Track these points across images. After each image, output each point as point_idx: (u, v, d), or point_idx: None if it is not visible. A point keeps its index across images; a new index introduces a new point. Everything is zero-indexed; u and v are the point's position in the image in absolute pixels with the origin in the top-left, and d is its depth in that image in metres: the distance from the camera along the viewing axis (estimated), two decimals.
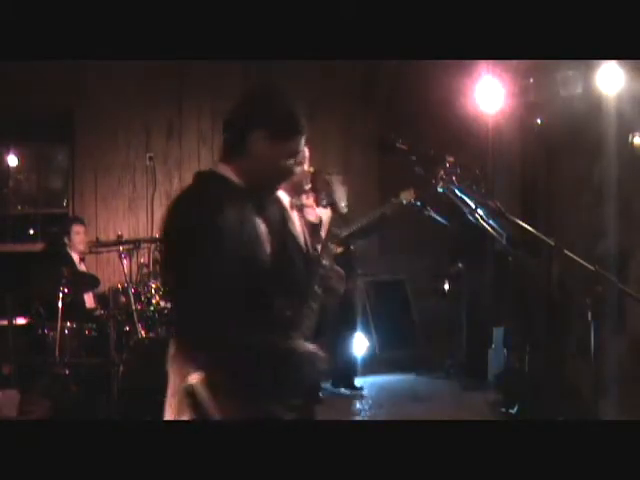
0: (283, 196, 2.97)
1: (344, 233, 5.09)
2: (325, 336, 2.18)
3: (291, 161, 1.98)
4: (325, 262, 2.13)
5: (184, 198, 1.92)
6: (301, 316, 1.99)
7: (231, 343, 1.76)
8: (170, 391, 1.91)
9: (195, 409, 1.77)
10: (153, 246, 5.98)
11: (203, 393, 1.75)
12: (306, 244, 2.98)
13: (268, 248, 1.97)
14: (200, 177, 2.00)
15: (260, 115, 1.93)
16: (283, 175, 2.01)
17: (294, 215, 3.03)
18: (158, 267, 5.86)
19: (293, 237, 2.87)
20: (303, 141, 1.99)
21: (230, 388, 1.78)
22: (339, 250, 5.03)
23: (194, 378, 1.78)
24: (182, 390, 1.80)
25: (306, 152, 2.76)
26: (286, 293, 1.99)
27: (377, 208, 5.91)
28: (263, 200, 2.02)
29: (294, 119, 1.96)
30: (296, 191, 3.02)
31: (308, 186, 3.08)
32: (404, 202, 5.44)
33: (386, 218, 5.74)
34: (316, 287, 2.06)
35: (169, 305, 5.39)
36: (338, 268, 2.20)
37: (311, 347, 1.93)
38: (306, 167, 2.98)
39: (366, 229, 5.78)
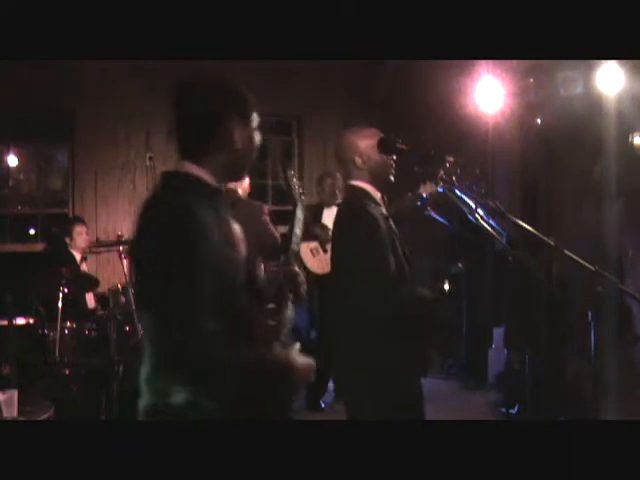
0: (373, 191, 2.92)
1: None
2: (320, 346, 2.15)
3: (257, 143, 1.88)
4: (295, 265, 2.11)
5: (159, 203, 1.77)
6: (281, 324, 1.94)
7: (214, 357, 1.66)
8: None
9: None
10: None
11: None
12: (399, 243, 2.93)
13: (244, 252, 1.88)
14: (171, 178, 1.86)
15: (232, 103, 1.81)
16: (252, 161, 1.89)
17: (384, 211, 2.98)
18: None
19: (384, 233, 2.80)
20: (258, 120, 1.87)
21: (217, 403, 1.72)
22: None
23: None
24: None
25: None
26: (267, 300, 1.95)
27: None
28: (235, 200, 1.97)
29: (249, 95, 1.85)
30: (382, 184, 2.88)
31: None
32: (424, 196, 5.25)
33: (402, 215, 5.59)
34: (288, 293, 2.02)
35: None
36: (299, 271, 2.13)
37: (302, 359, 1.83)
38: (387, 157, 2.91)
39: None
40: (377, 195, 2.88)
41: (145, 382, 1.79)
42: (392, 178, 2.91)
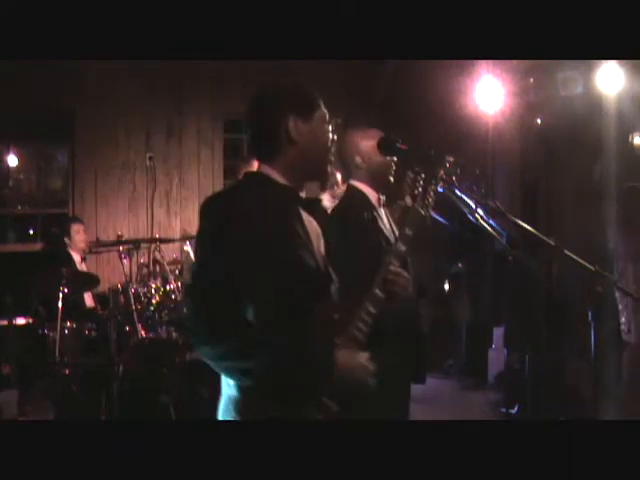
0: (370, 192, 2.91)
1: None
2: (381, 345, 2.01)
3: (328, 139, 1.92)
4: (390, 264, 1.98)
5: (221, 200, 1.88)
6: (354, 320, 1.87)
7: (268, 347, 1.71)
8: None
9: None
10: (153, 246, 5.98)
11: None
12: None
13: (315, 249, 1.92)
14: (245, 178, 1.94)
15: (284, 102, 1.87)
16: (326, 158, 1.94)
17: (382, 212, 2.94)
18: (159, 267, 5.87)
19: (374, 235, 2.78)
20: (327, 117, 1.93)
21: (262, 391, 1.74)
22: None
23: None
24: None
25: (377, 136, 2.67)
26: (335, 296, 1.92)
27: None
28: (309, 200, 1.98)
29: (310, 91, 1.92)
30: (381, 184, 2.91)
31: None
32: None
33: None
34: (377, 290, 1.93)
35: (169, 305, 5.40)
36: (404, 272, 2.02)
37: (355, 357, 1.82)
38: (388, 158, 2.89)
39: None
40: (374, 196, 2.91)
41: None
42: (391, 179, 2.92)
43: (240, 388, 1.78)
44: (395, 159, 2.90)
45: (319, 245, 1.98)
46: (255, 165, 1.96)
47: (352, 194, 2.91)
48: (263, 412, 1.75)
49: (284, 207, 1.88)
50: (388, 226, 2.93)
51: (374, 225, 2.83)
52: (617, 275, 4.13)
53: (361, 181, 2.90)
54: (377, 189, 2.92)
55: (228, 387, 1.83)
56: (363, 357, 1.82)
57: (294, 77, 1.98)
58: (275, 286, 1.77)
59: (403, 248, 2.02)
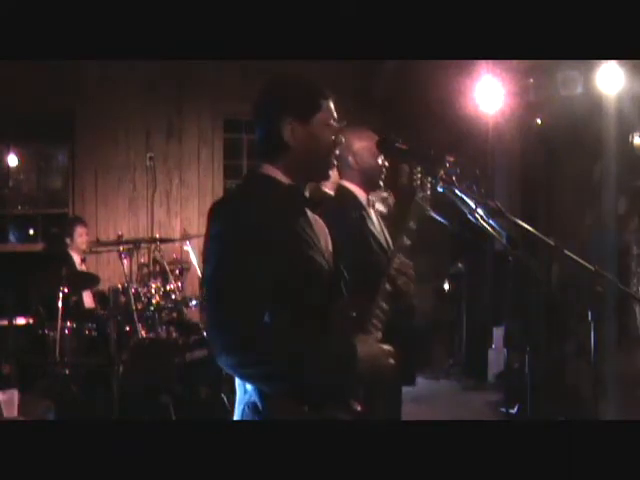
0: (359, 193, 2.95)
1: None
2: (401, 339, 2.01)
3: (329, 143, 1.91)
4: (395, 260, 2.00)
5: (228, 201, 1.90)
6: (369, 316, 1.89)
7: (286, 348, 1.71)
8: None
9: None
10: (153, 246, 5.98)
11: None
12: (386, 242, 2.93)
13: (323, 248, 1.92)
14: (247, 178, 1.98)
15: (282, 103, 1.87)
16: (328, 158, 1.93)
17: (371, 212, 2.99)
18: (159, 267, 5.87)
19: (362, 235, 2.82)
20: (332, 120, 1.91)
21: (289, 393, 1.73)
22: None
23: None
24: None
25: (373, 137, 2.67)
26: (350, 293, 1.93)
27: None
28: (316, 197, 1.98)
29: (311, 93, 1.90)
30: (370, 186, 2.96)
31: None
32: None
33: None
34: (387, 286, 1.95)
35: (169, 305, 5.40)
36: (410, 264, 2.04)
37: (374, 345, 1.83)
38: (380, 161, 2.92)
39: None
40: (363, 196, 2.97)
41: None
42: (381, 183, 2.96)
43: (261, 393, 1.75)
44: (387, 163, 2.94)
45: (327, 243, 1.99)
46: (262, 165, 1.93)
47: (342, 194, 2.95)
48: (287, 415, 1.73)
49: (292, 208, 1.88)
50: (378, 226, 2.96)
51: (363, 225, 2.87)
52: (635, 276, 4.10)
53: (352, 181, 2.96)
54: (367, 190, 2.98)
55: (245, 393, 1.79)
56: (381, 345, 1.84)
57: (301, 75, 1.95)
58: (291, 287, 1.78)
59: (408, 242, 2.03)
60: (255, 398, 1.76)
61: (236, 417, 1.81)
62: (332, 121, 1.91)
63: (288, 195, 1.88)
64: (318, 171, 1.95)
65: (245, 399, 1.78)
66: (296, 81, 1.93)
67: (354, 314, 1.87)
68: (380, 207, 3.28)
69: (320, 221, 2.00)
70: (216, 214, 1.82)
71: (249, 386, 1.77)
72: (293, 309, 1.78)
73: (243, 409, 1.78)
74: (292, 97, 1.89)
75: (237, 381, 1.83)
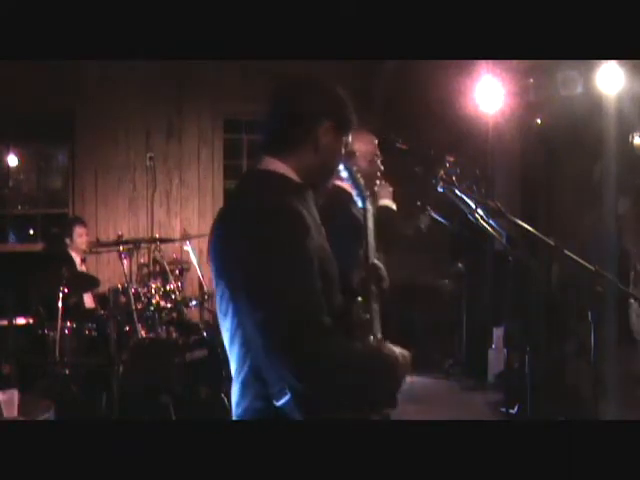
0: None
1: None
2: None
3: (342, 155, 1.91)
4: (377, 260, 2.04)
5: (259, 204, 1.71)
6: (374, 319, 1.90)
7: (331, 352, 1.62)
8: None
9: None
10: (153, 246, 5.99)
11: None
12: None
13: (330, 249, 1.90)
14: (261, 177, 1.82)
15: (328, 107, 1.83)
16: (336, 169, 1.94)
17: (369, 213, 3.02)
18: (159, 267, 5.88)
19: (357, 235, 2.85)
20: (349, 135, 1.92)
21: (320, 399, 1.67)
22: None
23: None
24: None
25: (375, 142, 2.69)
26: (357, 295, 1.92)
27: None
28: (320, 196, 1.92)
29: (352, 110, 1.89)
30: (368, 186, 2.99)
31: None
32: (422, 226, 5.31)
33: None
34: (373, 286, 1.98)
35: (169, 305, 5.40)
36: (379, 264, 2.08)
37: (402, 351, 1.84)
38: (378, 162, 2.93)
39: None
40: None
41: (244, 386, 1.75)
42: (376, 189, 2.96)
43: (295, 400, 1.66)
44: (382, 167, 2.94)
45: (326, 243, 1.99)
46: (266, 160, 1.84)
47: (336, 193, 2.96)
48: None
49: (309, 207, 1.82)
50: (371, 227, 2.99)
51: (361, 225, 2.89)
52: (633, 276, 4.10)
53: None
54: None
55: (259, 400, 1.72)
56: (397, 349, 1.83)
57: (330, 81, 1.93)
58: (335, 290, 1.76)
59: (374, 244, 2.08)
60: (287, 413, 1.67)
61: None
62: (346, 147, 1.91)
63: (304, 194, 1.83)
64: (325, 178, 1.92)
65: (268, 414, 1.70)
66: (338, 89, 1.90)
67: (367, 316, 1.88)
68: (387, 201, 3.28)
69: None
70: (277, 213, 1.68)
71: (279, 401, 1.67)
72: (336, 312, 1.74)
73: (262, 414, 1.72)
74: (336, 103, 1.86)
75: (249, 395, 1.75)
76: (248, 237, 1.66)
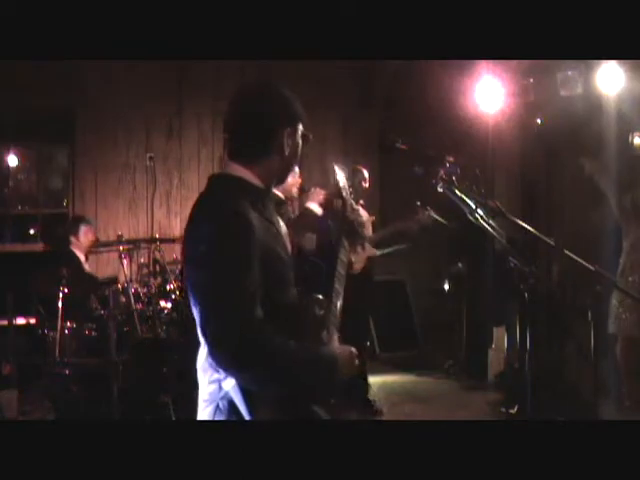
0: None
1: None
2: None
3: (299, 153, 2.00)
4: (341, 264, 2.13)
5: (209, 204, 1.85)
6: (329, 314, 1.98)
7: (269, 350, 1.73)
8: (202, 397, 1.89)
9: None
10: (153, 246, 5.98)
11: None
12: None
13: (289, 250, 1.99)
14: (219, 181, 1.94)
15: (288, 112, 1.93)
16: (292, 168, 2.03)
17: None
18: (159, 267, 5.87)
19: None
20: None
21: (267, 394, 1.78)
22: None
23: None
24: None
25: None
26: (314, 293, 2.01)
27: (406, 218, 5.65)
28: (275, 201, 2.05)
29: (297, 103, 1.97)
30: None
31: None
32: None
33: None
34: (337, 285, 2.05)
35: (169, 305, 5.40)
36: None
37: (344, 348, 1.93)
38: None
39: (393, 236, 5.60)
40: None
41: (203, 370, 1.89)
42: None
43: (244, 393, 1.78)
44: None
45: (287, 245, 2.04)
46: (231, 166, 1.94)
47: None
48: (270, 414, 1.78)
49: (267, 210, 1.92)
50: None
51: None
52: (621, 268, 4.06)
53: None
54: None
55: (220, 391, 1.83)
56: (349, 348, 1.94)
57: (280, 85, 2.00)
58: (271, 288, 1.81)
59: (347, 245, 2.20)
60: (233, 397, 1.79)
61: (205, 415, 1.85)
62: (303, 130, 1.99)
63: (263, 197, 1.92)
64: (283, 176, 2.01)
65: (219, 396, 1.82)
66: (286, 91, 1.98)
67: (321, 312, 1.95)
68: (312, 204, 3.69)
69: (282, 223, 2.05)
70: (215, 214, 1.80)
71: (227, 385, 1.80)
72: (271, 311, 1.80)
73: (217, 406, 1.82)
74: (288, 107, 1.94)
75: (205, 379, 1.88)
76: (194, 237, 1.81)
